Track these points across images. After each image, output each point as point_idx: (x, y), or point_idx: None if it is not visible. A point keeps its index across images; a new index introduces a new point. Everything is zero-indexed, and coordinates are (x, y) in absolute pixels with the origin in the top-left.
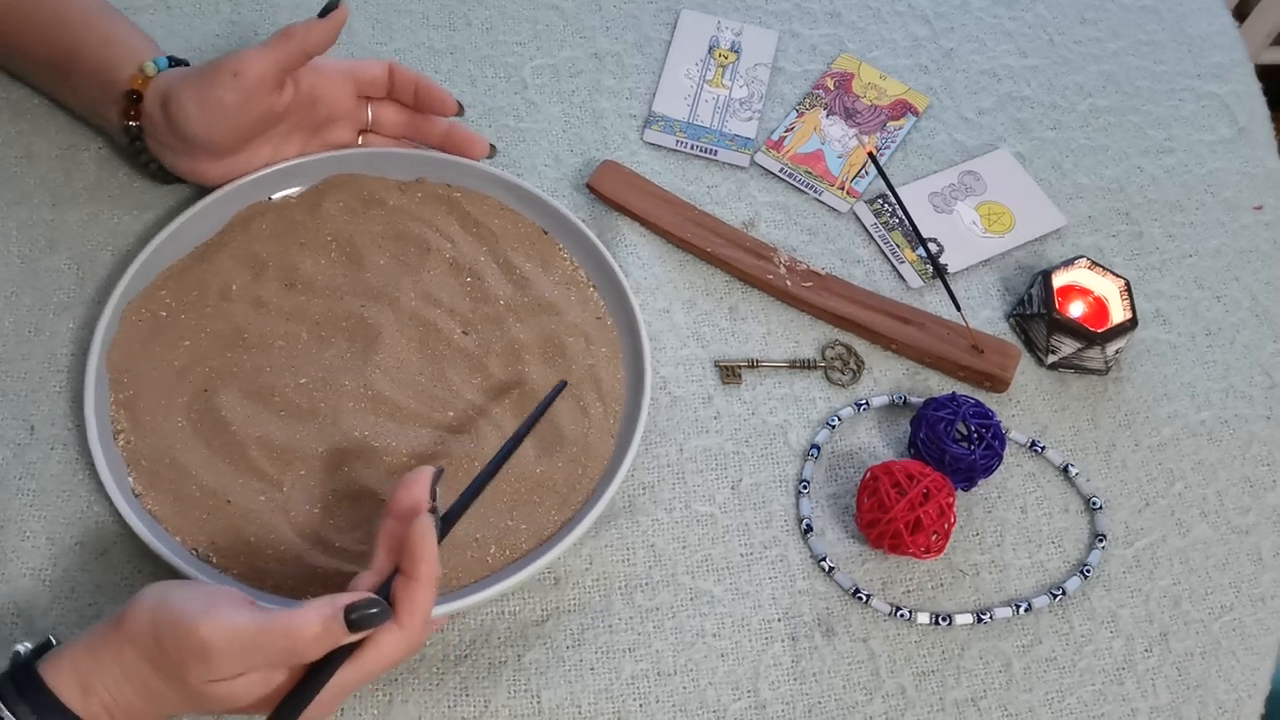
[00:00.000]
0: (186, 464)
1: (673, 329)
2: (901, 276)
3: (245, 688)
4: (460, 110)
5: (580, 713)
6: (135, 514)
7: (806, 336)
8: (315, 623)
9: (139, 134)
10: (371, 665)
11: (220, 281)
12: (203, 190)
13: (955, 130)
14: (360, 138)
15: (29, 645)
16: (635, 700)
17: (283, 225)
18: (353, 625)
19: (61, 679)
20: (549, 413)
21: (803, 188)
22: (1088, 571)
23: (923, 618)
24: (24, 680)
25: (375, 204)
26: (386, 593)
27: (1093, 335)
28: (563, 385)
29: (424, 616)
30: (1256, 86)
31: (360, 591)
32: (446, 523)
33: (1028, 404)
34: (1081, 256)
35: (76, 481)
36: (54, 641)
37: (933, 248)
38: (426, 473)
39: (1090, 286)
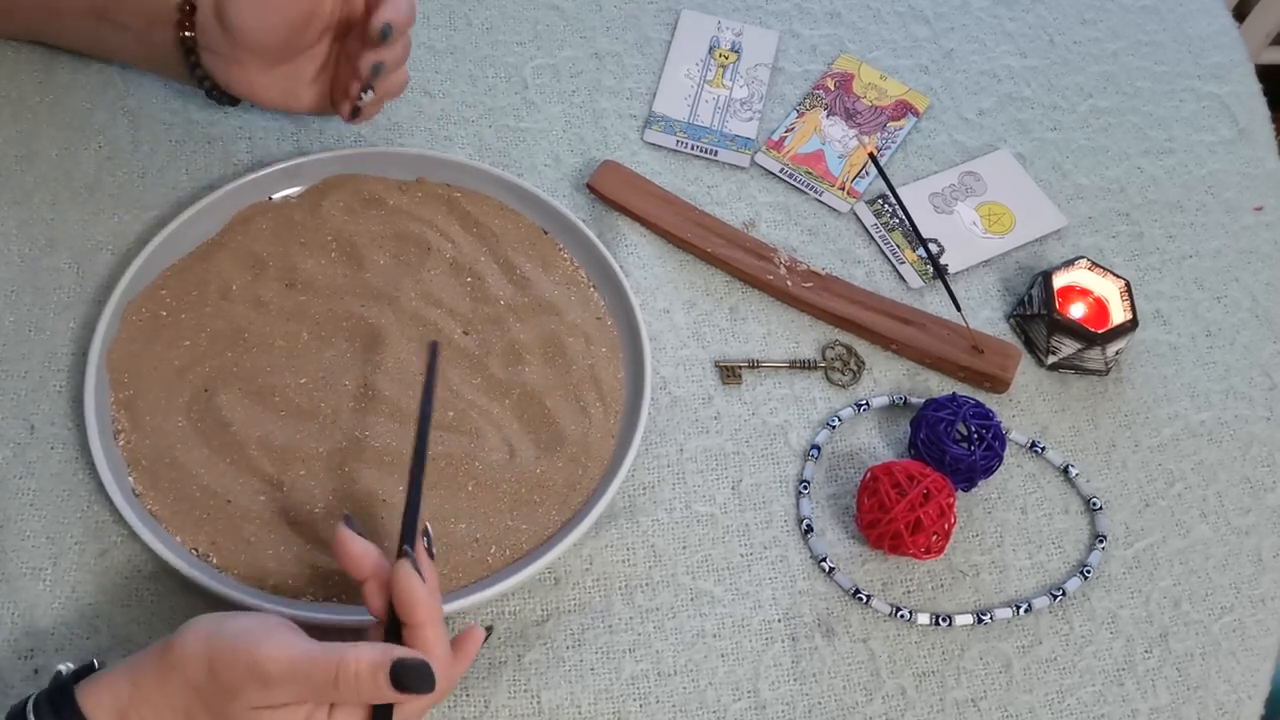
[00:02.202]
0: (186, 464)
1: (673, 329)
2: (902, 277)
3: None
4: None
5: (580, 713)
6: (135, 514)
7: (807, 337)
8: (363, 661)
9: (194, 46)
10: (410, 708)
11: (220, 281)
12: (202, 189)
13: (955, 131)
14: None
15: (70, 666)
16: (635, 700)
17: (283, 225)
18: (398, 682)
19: (98, 706)
20: (549, 413)
21: (803, 188)
22: (1088, 572)
23: (923, 618)
24: (60, 702)
25: (375, 204)
26: (395, 634)
27: (1093, 336)
28: (436, 346)
29: (443, 655)
30: (1256, 87)
31: (414, 651)
32: (407, 533)
33: (1028, 405)
34: (1082, 257)
35: (76, 481)
36: (96, 664)
37: (933, 248)
38: (344, 531)
39: (1090, 287)
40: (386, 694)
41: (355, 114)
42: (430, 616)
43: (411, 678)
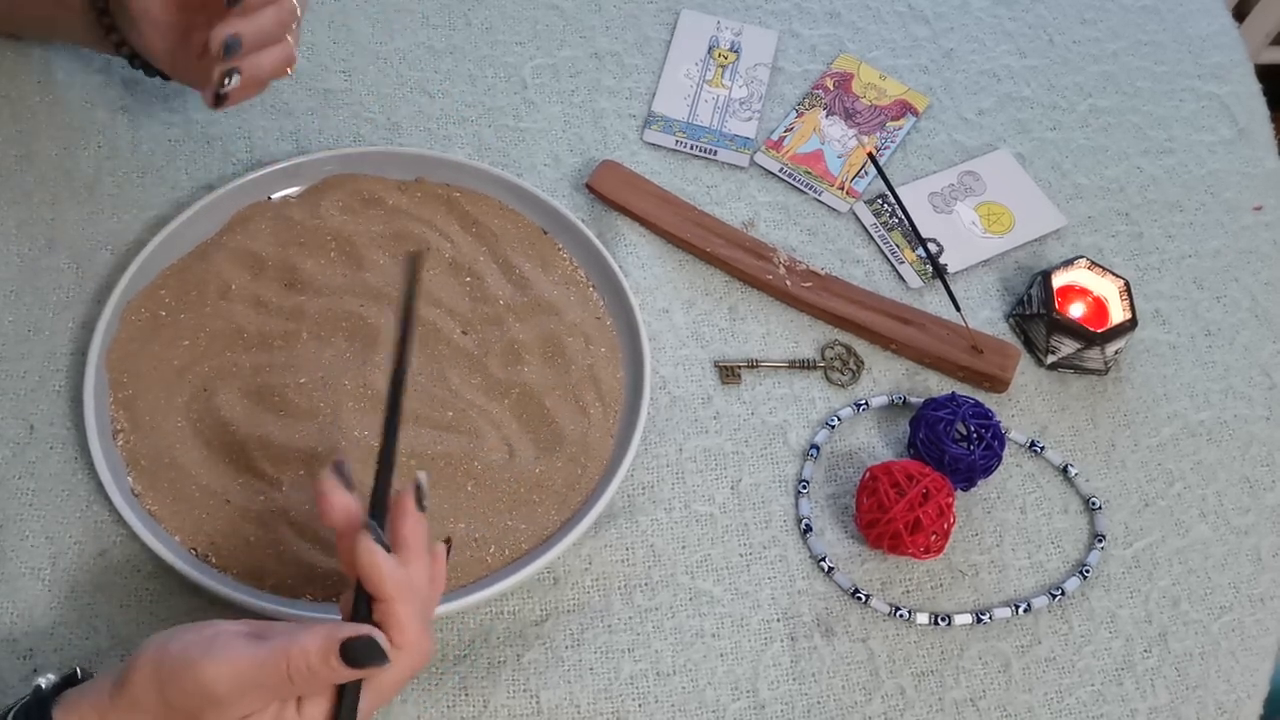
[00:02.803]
0: (186, 464)
1: (672, 329)
2: (901, 277)
3: None
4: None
5: (579, 713)
6: (134, 514)
7: (806, 337)
8: (311, 652)
9: (105, 7)
10: (385, 686)
11: (220, 281)
12: (202, 189)
13: (955, 130)
14: None
15: (51, 678)
16: (634, 700)
17: (282, 225)
18: (350, 662)
19: None
20: (548, 412)
21: (802, 188)
22: (1087, 572)
23: (922, 618)
24: None
25: (375, 204)
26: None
27: (1092, 336)
28: (414, 257)
29: (415, 629)
30: (1256, 87)
31: (358, 625)
32: (377, 501)
33: (1027, 404)
34: (1081, 257)
35: (76, 481)
36: (79, 674)
37: (932, 248)
38: (328, 477)
39: (1090, 287)
40: (343, 674)
41: (219, 101)
42: (398, 592)
43: (362, 654)
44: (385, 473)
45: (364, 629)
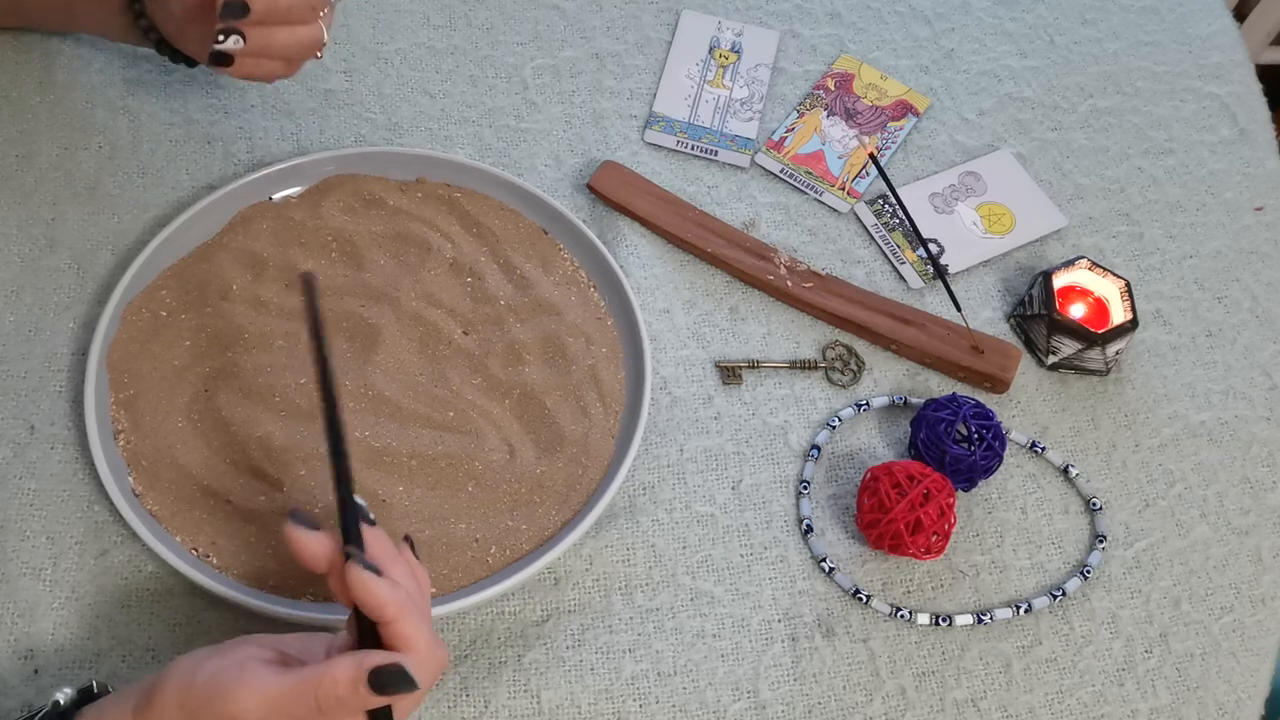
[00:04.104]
0: (186, 464)
1: (673, 329)
2: (902, 277)
3: None
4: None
5: (580, 713)
6: (135, 514)
7: (807, 337)
8: (340, 683)
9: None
10: (409, 699)
11: (220, 281)
12: (202, 189)
13: (956, 131)
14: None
15: (70, 692)
16: (635, 700)
17: (283, 225)
18: (379, 689)
19: None
20: (549, 413)
21: (803, 188)
22: (1088, 572)
23: (923, 618)
24: None
25: (375, 204)
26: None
27: (1093, 336)
28: (308, 277)
29: (425, 640)
30: (1257, 87)
31: (387, 654)
32: (347, 529)
33: (1028, 405)
34: (1082, 257)
35: (76, 481)
36: (95, 688)
37: (933, 248)
38: (293, 529)
39: (1091, 287)
40: (372, 701)
41: (218, 60)
42: (400, 610)
43: (391, 681)
44: (346, 495)
45: (393, 657)
